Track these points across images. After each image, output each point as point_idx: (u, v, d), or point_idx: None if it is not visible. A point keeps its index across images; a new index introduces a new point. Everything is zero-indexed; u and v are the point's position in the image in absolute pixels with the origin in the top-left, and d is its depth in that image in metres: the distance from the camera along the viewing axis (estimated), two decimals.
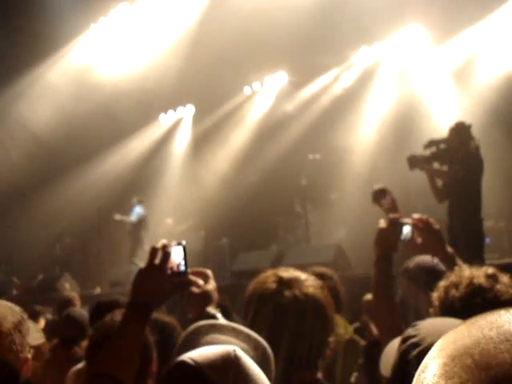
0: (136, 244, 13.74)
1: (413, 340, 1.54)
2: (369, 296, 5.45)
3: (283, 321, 1.91)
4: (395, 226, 2.75)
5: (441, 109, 11.69)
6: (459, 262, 2.68)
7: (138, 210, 13.73)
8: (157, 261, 1.83)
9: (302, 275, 2.03)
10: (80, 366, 3.42)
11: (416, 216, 2.80)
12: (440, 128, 10.58)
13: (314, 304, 1.94)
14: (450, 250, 2.74)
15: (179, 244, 1.92)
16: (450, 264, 2.66)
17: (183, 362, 1.32)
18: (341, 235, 12.15)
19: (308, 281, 2.00)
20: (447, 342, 0.64)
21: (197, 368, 1.30)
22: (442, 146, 7.23)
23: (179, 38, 13.63)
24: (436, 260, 2.82)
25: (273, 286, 1.98)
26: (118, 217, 13.66)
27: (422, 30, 12.23)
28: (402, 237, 2.75)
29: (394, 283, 2.69)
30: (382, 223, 2.78)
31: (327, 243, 10.96)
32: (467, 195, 6.95)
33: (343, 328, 3.47)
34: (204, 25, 13.22)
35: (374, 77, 13.57)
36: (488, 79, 11.35)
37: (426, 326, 1.59)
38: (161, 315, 3.32)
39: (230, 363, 1.30)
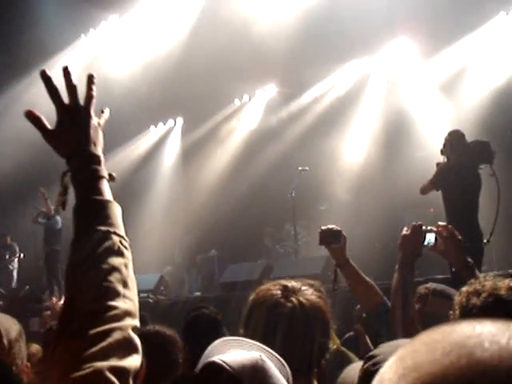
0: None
1: (376, 359, 1.63)
2: None
3: (289, 327, 1.93)
4: (418, 232, 2.89)
5: (429, 122, 11.74)
6: (478, 273, 2.78)
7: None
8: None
9: (303, 285, 2.08)
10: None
11: (441, 224, 2.97)
12: (428, 141, 10.66)
13: (317, 310, 1.98)
14: (469, 260, 2.86)
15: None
16: (469, 273, 2.75)
17: (214, 363, 1.36)
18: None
19: (309, 290, 2.05)
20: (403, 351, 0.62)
21: (227, 369, 1.33)
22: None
23: (169, 50, 13.63)
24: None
25: (278, 293, 2.00)
26: (43, 190, 12.47)
27: (410, 44, 12.31)
28: (426, 242, 2.91)
29: (413, 290, 2.79)
30: (406, 230, 2.92)
31: (316, 255, 10.91)
32: (467, 203, 6.93)
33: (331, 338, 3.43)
34: (194, 37, 13.23)
35: (364, 89, 13.62)
36: (476, 92, 11.42)
37: (390, 345, 1.71)
38: (163, 328, 3.26)
39: (257, 367, 1.35)
